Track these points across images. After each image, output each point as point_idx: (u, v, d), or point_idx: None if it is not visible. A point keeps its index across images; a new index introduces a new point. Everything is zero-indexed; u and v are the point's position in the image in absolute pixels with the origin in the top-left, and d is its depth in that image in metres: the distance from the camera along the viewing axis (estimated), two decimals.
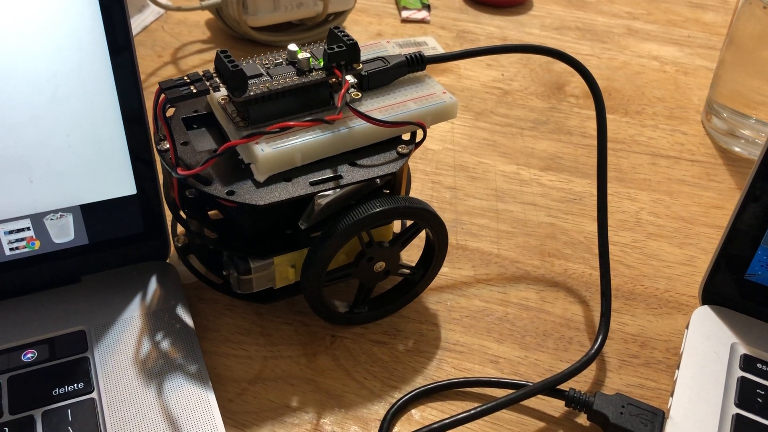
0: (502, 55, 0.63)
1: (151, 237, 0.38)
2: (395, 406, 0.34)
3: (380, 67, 0.37)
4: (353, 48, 0.35)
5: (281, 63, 0.36)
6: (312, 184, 0.33)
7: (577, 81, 0.60)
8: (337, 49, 0.35)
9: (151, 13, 0.65)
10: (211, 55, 0.61)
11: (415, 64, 0.38)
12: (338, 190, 0.33)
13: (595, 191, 0.48)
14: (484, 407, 0.34)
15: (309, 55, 0.35)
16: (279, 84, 0.34)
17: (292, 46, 0.36)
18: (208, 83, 0.34)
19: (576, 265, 0.43)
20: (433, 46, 0.64)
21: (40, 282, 0.37)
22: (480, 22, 0.68)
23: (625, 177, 0.50)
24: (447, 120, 0.38)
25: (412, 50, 0.39)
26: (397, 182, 0.38)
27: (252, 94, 0.34)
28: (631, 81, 0.60)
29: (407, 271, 0.38)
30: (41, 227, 0.36)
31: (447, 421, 0.33)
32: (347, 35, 0.36)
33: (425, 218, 0.36)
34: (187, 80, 0.34)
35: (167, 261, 0.39)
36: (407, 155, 0.35)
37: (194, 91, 0.33)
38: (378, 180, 0.34)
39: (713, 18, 0.71)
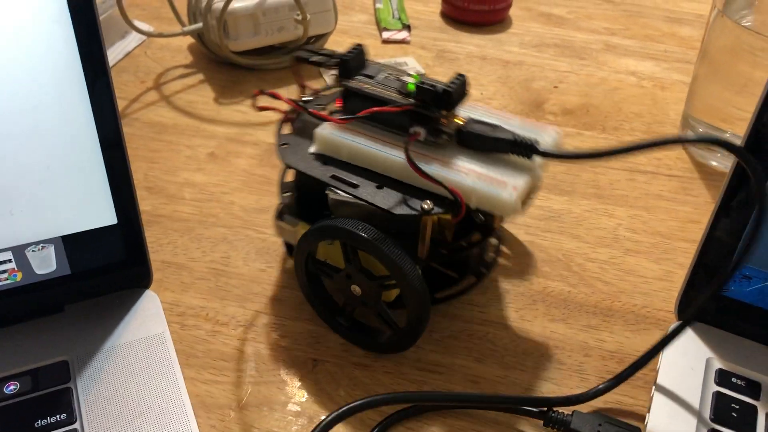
0: (482, 73, 0.64)
1: (132, 265, 0.39)
2: (375, 429, 0.35)
3: (478, 131, 0.35)
4: (443, 94, 0.35)
5: (395, 78, 0.38)
6: (332, 177, 0.36)
7: (555, 99, 0.61)
8: (425, 86, 0.35)
9: (134, 39, 0.66)
10: (194, 79, 0.62)
11: (520, 148, 0.35)
12: (348, 196, 0.35)
13: (573, 208, 0.49)
14: (460, 397, 0.36)
15: (412, 81, 0.36)
16: (371, 89, 0.37)
17: (412, 67, 0.39)
18: (328, 61, 0.39)
19: (554, 283, 0.43)
20: (413, 66, 0.65)
21: (22, 313, 0.37)
22: (459, 41, 0.69)
23: (602, 193, 0.50)
24: (496, 213, 0.35)
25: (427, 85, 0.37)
26: (415, 233, 0.36)
27: (346, 84, 0.38)
28: (609, 97, 0.61)
29: (386, 321, 0.38)
30: (23, 259, 0.36)
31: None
32: (459, 81, 0.36)
33: (392, 270, 0.34)
34: (317, 51, 0.40)
35: (149, 289, 0.40)
36: (425, 213, 0.34)
37: (310, 59, 0.40)
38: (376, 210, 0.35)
39: (689, 32, 0.72)
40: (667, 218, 0.48)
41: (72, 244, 0.37)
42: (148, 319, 0.38)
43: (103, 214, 0.37)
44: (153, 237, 0.45)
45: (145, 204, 0.47)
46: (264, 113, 0.57)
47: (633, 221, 0.48)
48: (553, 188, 0.51)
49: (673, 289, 0.43)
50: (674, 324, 0.39)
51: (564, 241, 0.46)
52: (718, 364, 0.37)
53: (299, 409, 0.36)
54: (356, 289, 0.37)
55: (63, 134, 0.35)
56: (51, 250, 0.36)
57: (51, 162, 0.35)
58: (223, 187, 0.50)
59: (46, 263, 0.37)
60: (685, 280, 0.39)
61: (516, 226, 0.47)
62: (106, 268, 0.38)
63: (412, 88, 0.36)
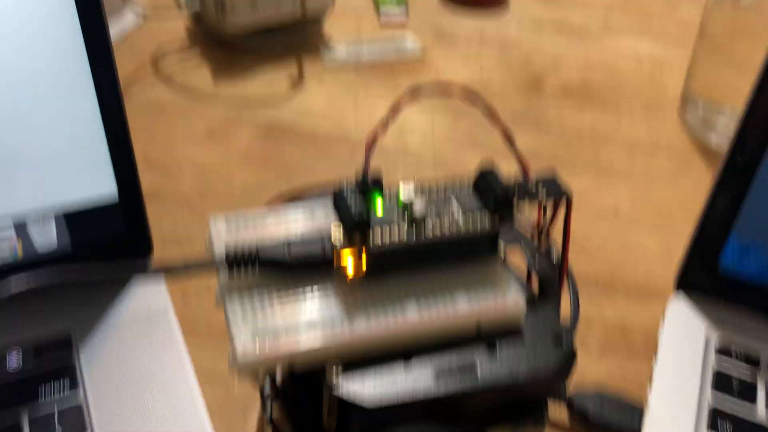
0: (482, 54, 0.64)
1: (133, 237, 0.39)
2: None
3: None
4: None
5: None
6: None
7: (555, 78, 0.61)
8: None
9: (131, 18, 0.65)
10: (191, 59, 0.61)
11: None
12: None
13: (574, 184, 0.49)
14: None
15: None
16: None
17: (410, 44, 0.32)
18: None
19: None
20: (411, 45, 0.65)
21: None
22: (458, 22, 0.69)
23: (603, 169, 0.51)
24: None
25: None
26: None
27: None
28: (609, 75, 0.61)
29: None
30: (23, 230, 0.36)
31: None
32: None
33: None
34: None
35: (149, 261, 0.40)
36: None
37: None
38: None
39: (687, 11, 0.72)
40: (668, 193, 0.49)
41: (73, 215, 0.37)
42: (150, 292, 0.38)
43: (104, 186, 0.37)
44: (153, 213, 0.44)
45: (144, 181, 0.47)
46: (263, 91, 0.57)
47: (634, 196, 0.48)
48: (554, 164, 0.51)
49: (674, 262, 0.43)
50: (674, 297, 0.39)
51: None
52: (717, 339, 0.37)
53: None
54: None
55: (64, 104, 0.34)
56: (51, 221, 0.36)
57: (50, 132, 0.35)
58: (222, 164, 0.50)
59: (46, 234, 0.36)
60: (684, 254, 0.39)
61: None
62: (107, 240, 0.38)
63: None
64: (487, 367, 0.26)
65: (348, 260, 0.26)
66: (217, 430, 0.32)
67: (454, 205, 0.28)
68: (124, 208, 0.38)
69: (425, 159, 0.51)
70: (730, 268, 0.38)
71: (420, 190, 0.28)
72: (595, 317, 0.40)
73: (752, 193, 0.36)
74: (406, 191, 0.27)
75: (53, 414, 0.32)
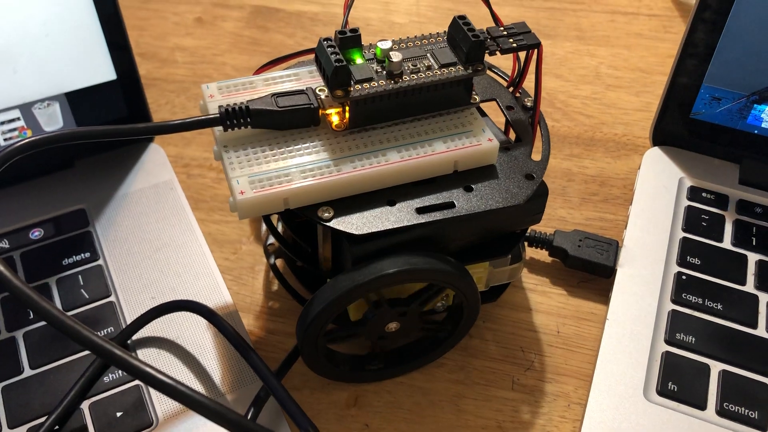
0: None
1: (135, 119, 0.40)
2: None
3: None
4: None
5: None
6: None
7: None
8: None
9: None
10: None
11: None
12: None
13: (557, 51, 0.50)
14: None
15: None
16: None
17: None
18: None
19: None
20: None
21: (36, 169, 0.39)
22: None
23: (585, 35, 0.52)
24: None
25: None
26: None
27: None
28: None
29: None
30: (31, 117, 0.38)
31: None
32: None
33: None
34: None
35: (153, 142, 0.42)
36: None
37: None
38: None
39: None
40: (647, 55, 0.50)
41: (76, 101, 0.38)
42: (155, 169, 0.40)
43: (103, 71, 0.39)
44: (151, 98, 0.46)
45: (139, 69, 0.48)
46: None
47: (614, 59, 0.50)
48: (537, 33, 0.51)
49: (651, 119, 0.45)
50: (650, 148, 0.41)
51: (547, 81, 0.48)
52: (689, 183, 0.40)
53: None
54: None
55: None
56: (56, 107, 0.38)
57: (46, 18, 0.36)
58: (214, 49, 0.51)
59: (53, 120, 0.38)
60: (658, 107, 0.41)
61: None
62: (110, 123, 0.40)
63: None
64: (465, 202, 0.28)
65: (332, 110, 0.28)
66: (228, 285, 0.36)
67: (430, 57, 0.29)
68: (125, 92, 0.39)
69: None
70: (701, 117, 0.40)
71: (397, 46, 0.30)
72: (575, 171, 0.42)
73: (722, 44, 0.38)
74: (383, 45, 0.29)
75: (78, 278, 0.35)
